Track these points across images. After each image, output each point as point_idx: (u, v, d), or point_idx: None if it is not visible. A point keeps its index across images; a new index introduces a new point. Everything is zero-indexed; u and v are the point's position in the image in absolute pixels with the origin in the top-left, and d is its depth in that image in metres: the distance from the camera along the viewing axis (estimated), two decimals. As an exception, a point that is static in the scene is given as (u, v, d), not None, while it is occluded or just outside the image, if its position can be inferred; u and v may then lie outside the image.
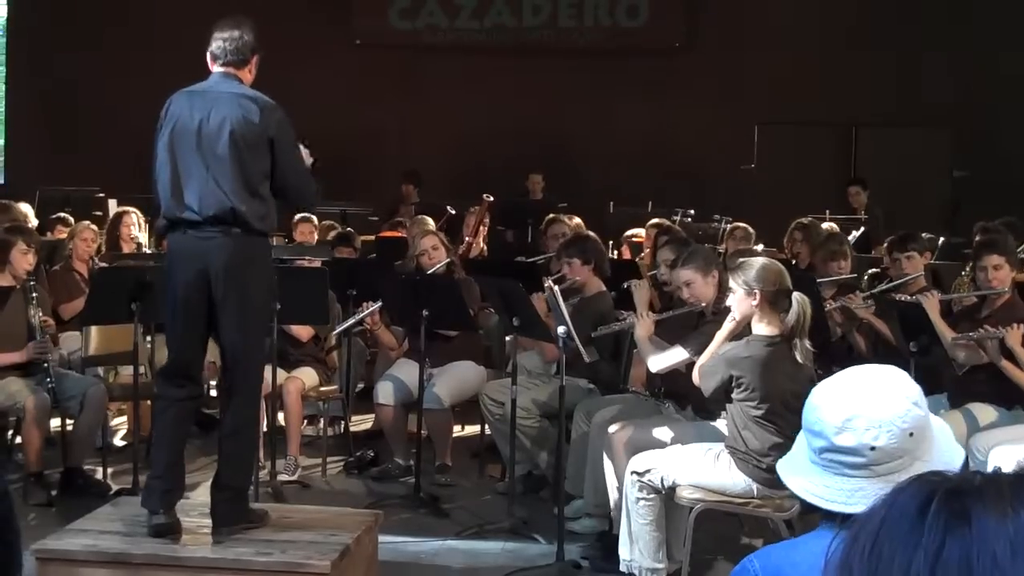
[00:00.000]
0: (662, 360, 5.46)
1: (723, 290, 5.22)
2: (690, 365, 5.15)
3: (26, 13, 14.57)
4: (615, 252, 9.29)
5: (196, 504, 4.94)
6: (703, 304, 5.51)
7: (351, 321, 7.04)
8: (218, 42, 4.60)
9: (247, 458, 4.83)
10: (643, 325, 5.61)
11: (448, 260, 7.15)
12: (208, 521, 4.62)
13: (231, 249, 4.47)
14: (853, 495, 1.92)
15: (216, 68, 4.62)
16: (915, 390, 1.97)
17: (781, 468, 2.09)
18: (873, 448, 1.92)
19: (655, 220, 8.97)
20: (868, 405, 1.93)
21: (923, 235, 7.48)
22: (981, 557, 1.17)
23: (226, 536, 4.54)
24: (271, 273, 4.80)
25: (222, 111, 4.46)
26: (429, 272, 6.94)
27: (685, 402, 5.69)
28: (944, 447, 1.99)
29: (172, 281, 4.60)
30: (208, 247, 4.48)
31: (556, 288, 5.80)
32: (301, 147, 4.86)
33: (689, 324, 5.62)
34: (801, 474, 2.01)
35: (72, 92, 13.62)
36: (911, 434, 1.93)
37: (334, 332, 7.19)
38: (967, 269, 7.08)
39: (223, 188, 4.43)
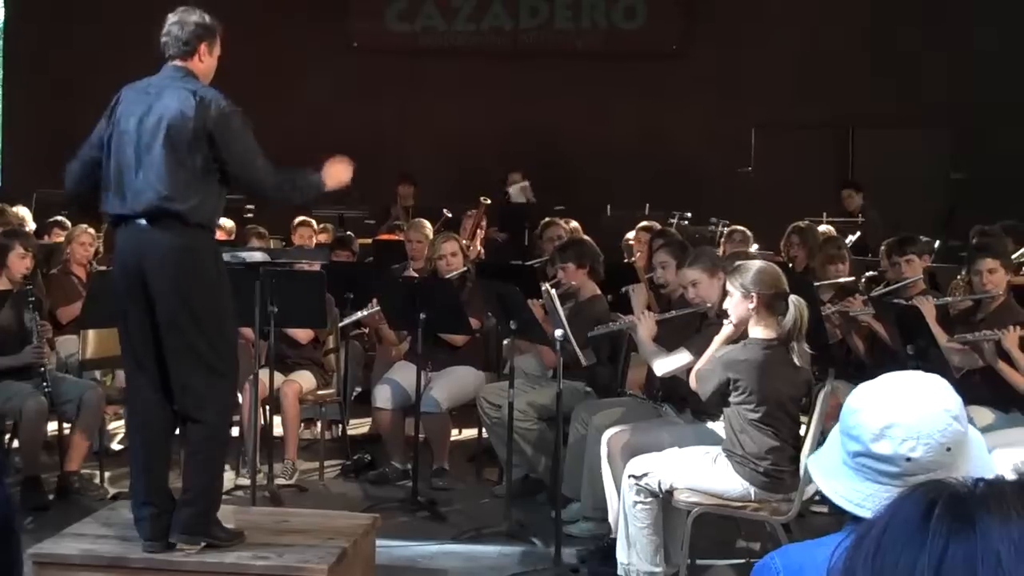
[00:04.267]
0: (667, 364, 5.44)
1: (724, 293, 5.22)
2: (689, 369, 5.15)
3: (23, 15, 14.56)
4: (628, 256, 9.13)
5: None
6: (708, 305, 5.51)
7: (357, 316, 7.06)
8: (163, 37, 4.56)
9: (210, 470, 4.60)
10: (645, 325, 5.60)
11: (465, 268, 7.12)
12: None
13: (166, 243, 4.38)
14: (884, 503, 1.89)
15: (167, 59, 4.59)
16: (957, 403, 1.94)
17: (812, 466, 2.05)
18: (909, 459, 1.89)
19: (644, 223, 8.95)
20: (908, 415, 1.91)
21: (921, 238, 7.48)
22: (985, 559, 1.17)
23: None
24: (216, 270, 4.55)
25: (160, 107, 4.41)
26: (446, 277, 6.91)
27: (683, 405, 5.68)
28: (979, 463, 1.96)
29: (115, 278, 4.55)
30: (142, 240, 4.40)
31: (554, 292, 5.80)
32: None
33: (691, 326, 5.62)
34: (833, 476, 1.98)
35: (69, 94, 13.60)
36: (948, 449, 1.90)
37: (339, 324, 7.19)
38: (963, 273, 7.08)
39: (155, 185, 4.35)
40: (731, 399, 4.75)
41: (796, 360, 4.71)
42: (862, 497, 1.92)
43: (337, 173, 4.76)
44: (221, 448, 4.72)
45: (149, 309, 4.40)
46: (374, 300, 6.97)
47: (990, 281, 5.80)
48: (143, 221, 4.40)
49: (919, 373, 2.01)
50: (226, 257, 4.94)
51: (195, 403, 4.45)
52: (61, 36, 13.86)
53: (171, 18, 4.57)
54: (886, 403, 1.93)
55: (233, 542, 4.54)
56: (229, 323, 4.63)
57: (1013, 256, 7.41)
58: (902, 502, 1.25)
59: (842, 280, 6.97)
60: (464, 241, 9.36)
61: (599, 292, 6.65)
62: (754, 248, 8.45)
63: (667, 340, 5.57)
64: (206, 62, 4.60)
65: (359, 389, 8.17)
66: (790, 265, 7.85)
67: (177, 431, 4.65)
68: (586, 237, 7.53)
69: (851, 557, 1.25)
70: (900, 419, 1.91)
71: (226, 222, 9.23)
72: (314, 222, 9.71)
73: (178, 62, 4.55)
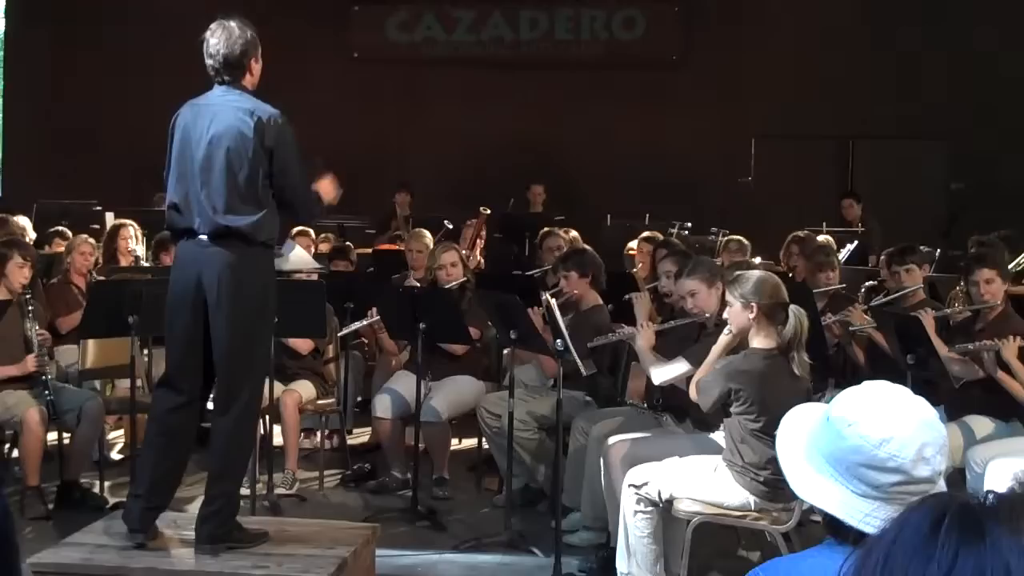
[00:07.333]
0: (665, 372, 5.45)
1: (723, 303, 5.22)
2: (690, 378, 5.15)
3: (24, 26, 14.58)
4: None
5: (192, 517, 4.92)
6: (707, 315, 5.51)
7: (357, 325, 7.06)
8: (208, 61, 4.63)
9: (232, 474, 4.73)
10: (644, 335, 5.61)
11: (464, 278, 7.13)
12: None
13: (225, 259, 4.54)
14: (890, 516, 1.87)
15: (216, 83, 4.66)
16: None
17: (836, 511, 1.95)
18: (940, 472, 1.92)
19: (647, 233, 8.96)
20: (929, 432, 1.92)
21: (921, 248, 7.48)
22: (994, 570, 1.17)
23: (208, 553, 4.51)
24: (270, 285, 4.77)
25: (221, 126, 4.52)
26: (446, 287, 6.91)
27: (683, 415, 5.68)
28: None
29: (170, 288, 4.71)
30: (204, 256, 4.56)
31: (554, 301, 5.80)
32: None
33: (690, 336, 5.62)
34: (863, 520, 1.90)
35: (70, 105, 13.62)
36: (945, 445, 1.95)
37: (339, 333, 7.20)
38: (961, 283, 7.08)
39: (218, 205, 4.52)
40: (732, 409, 4.75)
41: (796, 370, 4.71)
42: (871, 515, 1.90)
43: (327, 191, 4.95)
44: (243, 456, 4.86)
45: (201, 321, 4.58)
46: (373, 310, 6.98)
47: (987, 291, 5.80)
48: (205, 237, 4.54)
49: (888, 386, 1.99)
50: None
51: (233, 389, 4.61)
52: (62, 48, 13.87)
53: (212, 40, 4.60)
54: (913, 427, 1.92)
55: (256, 542, 4.64)
56: (271, 337, 4.98)
57: (1010, 265, 7.41)
58: (911, 514, 1.25)
59: (833, 287, 6.99)
60: (464, 251, 9.36)
61: (601, 302, 6.65)
62: (757, 260, 8.45)
63: (667, 350, 5.57)
64: (255, 73, 4.72)
65: (359, 399, 8.16)
66: (790, 275, 7.85)
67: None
68: (588, 247, 7.52)
69: (860, 569, 1.25)
70: (928, 439, 1.92)
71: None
72: (312, 232, 9.71)
73: (230, 84, 4.62)
